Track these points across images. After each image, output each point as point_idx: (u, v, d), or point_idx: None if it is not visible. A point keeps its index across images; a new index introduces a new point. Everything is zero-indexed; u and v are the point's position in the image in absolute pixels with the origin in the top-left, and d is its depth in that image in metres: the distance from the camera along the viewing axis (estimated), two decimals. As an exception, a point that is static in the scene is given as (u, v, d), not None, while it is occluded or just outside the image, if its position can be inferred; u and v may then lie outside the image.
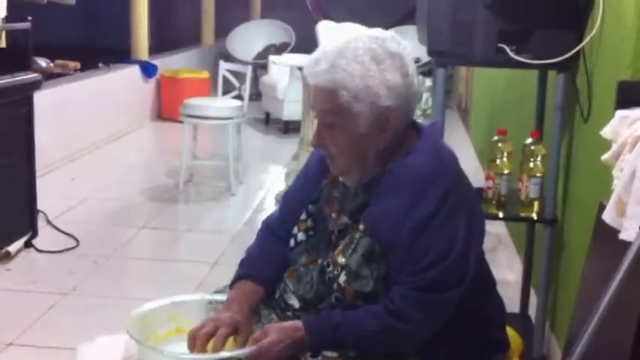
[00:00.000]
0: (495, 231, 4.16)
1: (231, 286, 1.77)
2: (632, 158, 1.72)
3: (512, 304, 3.05)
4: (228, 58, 8.60)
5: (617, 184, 1.75)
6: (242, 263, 1.80)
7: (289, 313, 1.71)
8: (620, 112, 1.91)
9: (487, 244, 4.28)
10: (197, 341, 1.59)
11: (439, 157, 1.64)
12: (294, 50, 8.73)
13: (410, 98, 1.61)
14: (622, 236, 1.66)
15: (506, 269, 3.71)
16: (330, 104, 1.59)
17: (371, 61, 1.57)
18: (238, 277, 1.77)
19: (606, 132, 1.93)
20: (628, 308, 1.70)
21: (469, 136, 7.11)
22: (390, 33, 1.64)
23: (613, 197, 1.75)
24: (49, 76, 4.37)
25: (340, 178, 1.72)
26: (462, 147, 6.51)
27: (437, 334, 1.61)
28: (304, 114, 4.98)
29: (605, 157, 1.87)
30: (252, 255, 1.82)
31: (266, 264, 1.77)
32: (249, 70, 5.55)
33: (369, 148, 1.62)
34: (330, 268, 1.65)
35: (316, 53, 1.62)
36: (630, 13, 2.09)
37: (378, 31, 1.63)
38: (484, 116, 5.90)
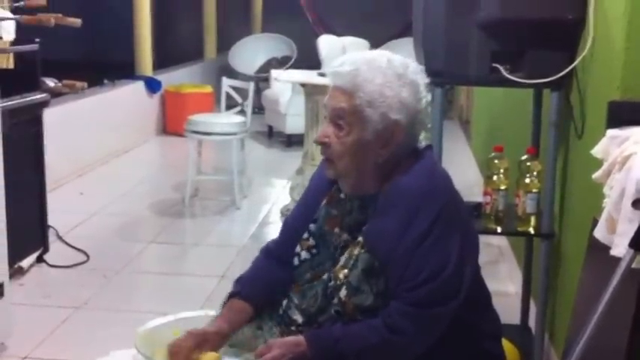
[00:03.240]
0: (497, 243, 4.22)
1: (225, 303, 1.85)
2: (621, 177, 1.75)
3: (513, 315, 3.10)
4: (231, 71, 8.67)
5: (608, 202, 1.79)
6: (235, 282, 1.88)
7: (293, 328, 1.77)
8: (610, 132, 1.95)
9: (489, 256, 4.32)
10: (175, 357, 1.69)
11: (432, 179, 1.71)
12: (296, 63, 8.80)
13: (417, 122, 1.70)
14: (613, 252, 1.69)
15: (507, 281, 3.76)
16: (344, 104, 1.67)
17: (392, 75, 1.66)
18: (230, 295, 1.85)
19: (597, 151, 1.98)
20: (619, 321, 1.75)
21: (470, 148, 7.13)
22: (413, 63, 1.73)
23: (604, 215, 1.79)
24: (57, 94, 4.44)
25: (341, 195, 1.78)
26: (463, 158, 6.55)
27: (433, 348, 1.67)
28: (307, 128, 5.00)
29: (595, 175, 1.91)
30: (245, 275, 1.90)
31: (257, 284, 1.85)
32: (251, 87, 5.62)
33: (368, 159, 1.69)
34: (332, 283, 1.72)
35: (342, 57, 1.72)
36: (619, 36, 2.15)
37: (402, 58, 1.73)
38: (484, 129, 5.91)
